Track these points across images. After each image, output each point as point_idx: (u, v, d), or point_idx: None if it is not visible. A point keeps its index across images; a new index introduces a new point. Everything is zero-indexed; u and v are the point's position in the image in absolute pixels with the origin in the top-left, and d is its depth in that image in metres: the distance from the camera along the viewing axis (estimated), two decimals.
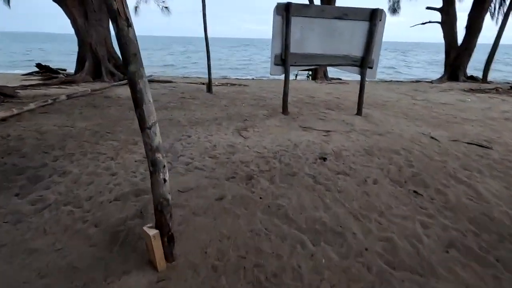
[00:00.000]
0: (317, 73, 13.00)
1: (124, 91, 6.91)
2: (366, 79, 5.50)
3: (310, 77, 17.94)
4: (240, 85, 11.53)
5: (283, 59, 5.20)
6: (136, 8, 9.54)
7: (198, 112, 5.52)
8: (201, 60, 34.60)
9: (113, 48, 8.33)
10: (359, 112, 5.66)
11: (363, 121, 5.22)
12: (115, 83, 7.69)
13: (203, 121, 4.93)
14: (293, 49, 5.15)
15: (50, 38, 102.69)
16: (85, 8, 7.38)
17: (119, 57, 8.62)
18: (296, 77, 18.33)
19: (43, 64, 12.16)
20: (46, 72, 11.39)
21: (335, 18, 5.12)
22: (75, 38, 7.85)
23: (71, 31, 7.71)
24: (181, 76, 15.70)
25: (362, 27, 5.21)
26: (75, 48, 8.12)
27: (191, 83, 10.66)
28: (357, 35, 5.25)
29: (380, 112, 5.90)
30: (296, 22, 5.05)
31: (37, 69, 12.05)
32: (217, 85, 11.04)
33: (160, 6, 9.28)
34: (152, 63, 27.76)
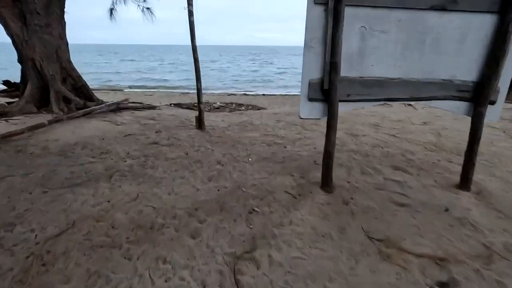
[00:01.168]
0: None
1: (68, 134, 4.51)
2: (484, 120, 2.87)
3: None
4: (248, 107, 9.05)
5: (325, 90, 2.68)
6: (111, 10, 7.25)
7: (166, 186, 3.01)
8: (206, 70, 32.45)
9: (71, 63, 5.99)
10: (465, 184, 3.02)
11: (483, 210, 2.60)
12: (70, 115, 5.31)
13: (166, 219, 2.42)
14: (345, 69, 2.64)
15: None
16: (21, 9, 5.07)
17: (79, 76, 6.26)
18: None
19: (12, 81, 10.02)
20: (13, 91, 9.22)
21: (432, 8, 2.57)
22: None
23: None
24: (178, 94, 13.40)
25: (481, 25, 2.64)
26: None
27: (183, 106, 8.23)
28: (471, 41, 2.68)
29: (505, 183, 3.21)
30: (354, 19, 2.55)
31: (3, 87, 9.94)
32: (216, 109, 8.60)
33: (141, 7, 6.95)
34: (152, 72, 25.81)
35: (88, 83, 6.63)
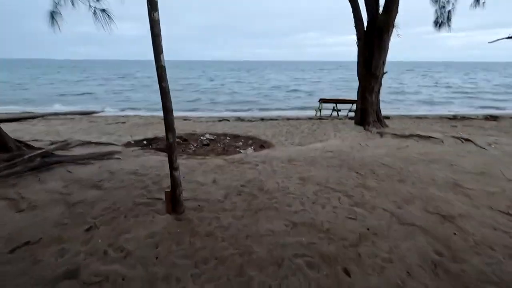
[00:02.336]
0: (367, 113, 8.31)
1: None
2: None
3: (336, 112, 13.30)
4: (247, 142, 6.84)
5: None
6: (52, 14, 5.02)
7: None
8: (195, 87, 29.85)
9: None
10: None
11: None
12: None
13: None
14: None
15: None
16: None
17: None
18: (318, 112, 13.78)
19: None
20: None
21: None
22: None
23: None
24: (160, 118, 11.09)
25: None
26: None
27: (158, 145, 5.95)
28: None
29: None
30: None
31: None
32: (204, 145, 6.34)
33: (92, 8, 4.75)
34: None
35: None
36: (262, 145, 6.84)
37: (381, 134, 7.25)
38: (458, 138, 6.29)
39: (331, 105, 13.73)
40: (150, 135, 7.40)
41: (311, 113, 15.08)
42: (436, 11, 9.02)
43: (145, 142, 6.59)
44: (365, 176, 3.99)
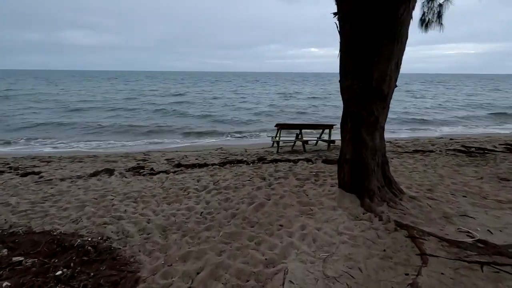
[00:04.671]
0: (366, 171, 4.05)
1: None
2: None
3: (302, 145, 9.29)
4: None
5: None
6: None
7: None
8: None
9: None
10: None
11: None
12: None
13: None
14: None
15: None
16: None
17: None
18: (275, 144, 9.53)
19: None
20: None
21: None
22: None
23: None
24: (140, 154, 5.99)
25: None
26: None
27: None
28: None
29: None
30: None
31: None
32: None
33: None
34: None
35: None
36: None
37: (405, 228, 3.08)
38: None
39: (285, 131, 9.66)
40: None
41: (258, 141, 10.83)
42: (423, 4, 5.22)
43: None
44: None
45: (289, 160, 7.02)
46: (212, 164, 6.71)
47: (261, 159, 7.23)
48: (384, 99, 3.81)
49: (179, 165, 6.66)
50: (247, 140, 12.61)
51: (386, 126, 4.25)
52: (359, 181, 4.02)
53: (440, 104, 25.60)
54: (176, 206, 4.22)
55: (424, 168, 6.14)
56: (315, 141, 9.56)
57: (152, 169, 6.31)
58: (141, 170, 6.18)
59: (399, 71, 3.82)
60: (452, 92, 41.95)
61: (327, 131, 9.07)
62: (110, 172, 6.06)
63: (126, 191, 4.83)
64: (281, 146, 9.36)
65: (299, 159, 7.06)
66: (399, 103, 25.44)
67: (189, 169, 6.34)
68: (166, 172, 6.05)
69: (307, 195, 4.40)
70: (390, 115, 4.74)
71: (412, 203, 3.97)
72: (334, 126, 8.83)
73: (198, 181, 5.39)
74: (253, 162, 6.90)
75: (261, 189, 4.77)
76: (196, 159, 7.56)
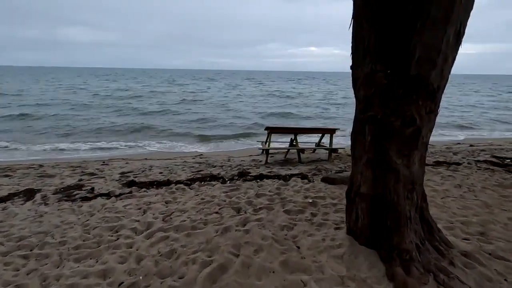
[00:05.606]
0: (397, 216, 2.46)
1: None
2: None
3: (297, 154, 7.61)
4: None
5: None
6: None
7: None
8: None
9: None
10: None
11: None
12: None
13: None
14: None
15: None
16: None
17: None
18: (264, 151, 7.89)
19: None
20: None
21: None
22: None
23: None
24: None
25: None
26: None
27: None
28: None
29: None
30: None
31: None
32: None
33: None
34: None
35: None
36: None
37: None
38: None
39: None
40: None
41: (248, 147, 9.27)
42: None
43: None
44: None
45: (278, 176, 5.40)
46: (176, 182, 5.09)
47: (243, 174, 5.61)
48: (432, 96, 2.19)
49: (131, 183, 5.03)
50: (235, 145, 10.98)
51: None
52: (384, 232, 2.42)
53: (447, 107, 23.96)
54: (86, 267, 2.60)
55: (458, 191, 4.55)
56: (312, 149, 7.96)
57: (92, 189, 4.68)
58: (75, 192, 4.55)
59: (459, 46, 2.20)
60: (461, 93, 40.02)
61: (328, 136, 7.48)
62: (30, 194, 4.42)
63: (24, 234, 3.20)
64: (271, 154, 7.77)
65: (291, 175, 5.45)
66: None
67: (143, 189, 4.71)
68: (108, 195, 4.42)
69: (299, 248, 2.79)
70: None
71: (471, 271, 2.38)
72: (336, 131, 7.23)
73: (144, 212, 3.77)
74: (231, 179, 5.28)
75: (230, 231, 3.14)
76: (161, 172, 5.93)
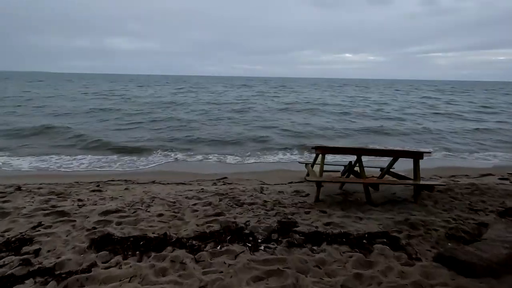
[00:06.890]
0: None
1: None
2: None
3: (364, 189, 5.03)
4: None
5: None
6: None
7: None
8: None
9: None
10: None
11: None
12: None
13: None
14: None
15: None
16: None
17: None
18: (314, 177, 5.51)
19: None
20: None
21: None
22: None
23: None
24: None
25: None
26: None
27: None
28: None
29: None
30: None
31: None
32: None
33: None
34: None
35: None
36: None
37: None
38: None
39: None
40: None
41: (285, 166, 7.10)
42: None
43: None
44: None
45: (347, 238, 3.14)
46: (176, 241, 3.04)
47: (286, 228, 3.42)
48: None
49: (105, 240, 3.06)
50: (270, 165, 8.66)
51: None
52: None
53: None
54: None
55: None
56: (381, 175, 5.48)
57: (28, 261, 2.76)
58: (4, 260, 2.67)
59: None
60: None
61: (405, 161, 5.03)
62: None
63: None
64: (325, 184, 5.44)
65: (369, 235, 3.16)
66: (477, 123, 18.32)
67: (115, 258, 2.72)
68: (46, 277, 2.47)
69: None
70: None
71: None
72: (425, 154, 4.79)
73: None
74: (266, 239, 3.13)
75: None
76: (161, 214, 3.93)
